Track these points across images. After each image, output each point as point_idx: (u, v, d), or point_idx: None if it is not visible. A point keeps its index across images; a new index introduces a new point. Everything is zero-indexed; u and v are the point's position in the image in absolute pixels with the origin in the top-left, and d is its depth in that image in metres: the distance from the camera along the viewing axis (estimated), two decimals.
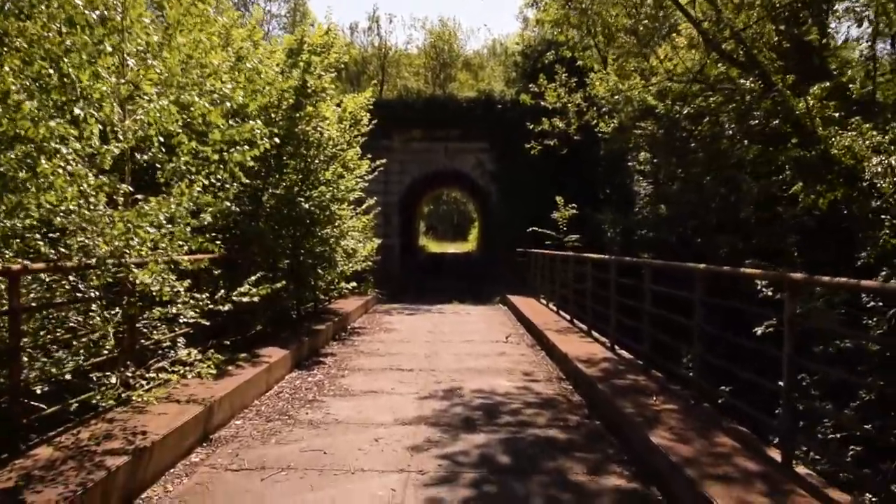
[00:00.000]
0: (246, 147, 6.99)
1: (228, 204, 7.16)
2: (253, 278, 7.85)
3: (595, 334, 11.25)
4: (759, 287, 9.34)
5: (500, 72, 30.21)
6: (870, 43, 15.96)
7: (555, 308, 15.16)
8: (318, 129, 11.91)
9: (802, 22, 14.34)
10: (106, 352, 6.12)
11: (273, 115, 11.28)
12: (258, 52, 11.19)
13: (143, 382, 6.29)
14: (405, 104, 26.13)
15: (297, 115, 11.31)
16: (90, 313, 6.38)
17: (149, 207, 5.86)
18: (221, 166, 6.89)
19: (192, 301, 6.90)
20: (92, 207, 5.70)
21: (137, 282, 5.91)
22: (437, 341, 12.41)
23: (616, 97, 17.21)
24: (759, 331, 8.88)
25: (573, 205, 19.38)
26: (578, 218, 19.87)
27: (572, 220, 19.62)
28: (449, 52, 29.40)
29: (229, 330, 9.35)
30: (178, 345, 7.38)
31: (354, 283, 15.51)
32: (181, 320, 7.05)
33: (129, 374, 6.15)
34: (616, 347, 9.73)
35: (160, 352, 7.40)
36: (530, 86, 16.91)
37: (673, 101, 20.04)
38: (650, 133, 21.57)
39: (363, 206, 15.70)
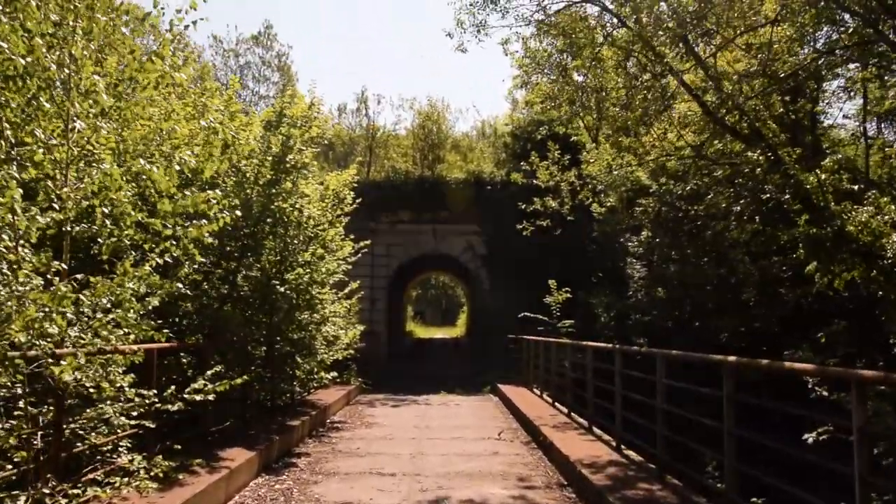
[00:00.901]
0: (203, 221, 6.09)
1: (180, 286, 6.19)
2: (210, 373, 6.85)
3: (597, 431, 10.22)
4: (810, 385, 8.22)
5: (489, 153, 29.90)
6: (858, 123, 15.64)
7: (549, 399, 14.12)
8: (298, 206, 11.10)
9: (798, 97, 13.92)
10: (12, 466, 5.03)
11: (248, 191, 10.49)
12: (234, 123, 10.49)
13: (64, 502, 5.21)
14: (392, 185, 25.52)
15: (274, 191, 10.52)
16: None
17: (67, 289, 4.91)
18: (175, 243, 5.98)
19: (137, 399, 5.93)
20: (12, 288, 4.80)
21: (58, 377, 4.92)
22: (424, 438, 11.31)
23: (612, 174, 16.58)
24: (809, 438, 7.80)
25: (567, 288, 18.52)
26: (571, 302, 19.00)
27: (566, 304, 18.75)
28: (437, 132, 29.09)
29: (185, 429, 8.28)
30: (121, 449, 6.32)
31: (335, 374, 14.44)
32: (122, 421, 6.03)
33: (48, 491, 5.08)
34: (622, 447, 8.70)
35: (99, 458, 6.34)
36: (521, 164, 16.34)
37: (668, 179, 19.55)
38: (646, 211, 21.06)
39: (345, 290, 14.77)
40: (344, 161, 28.36)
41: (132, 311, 5.66)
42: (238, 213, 7.14)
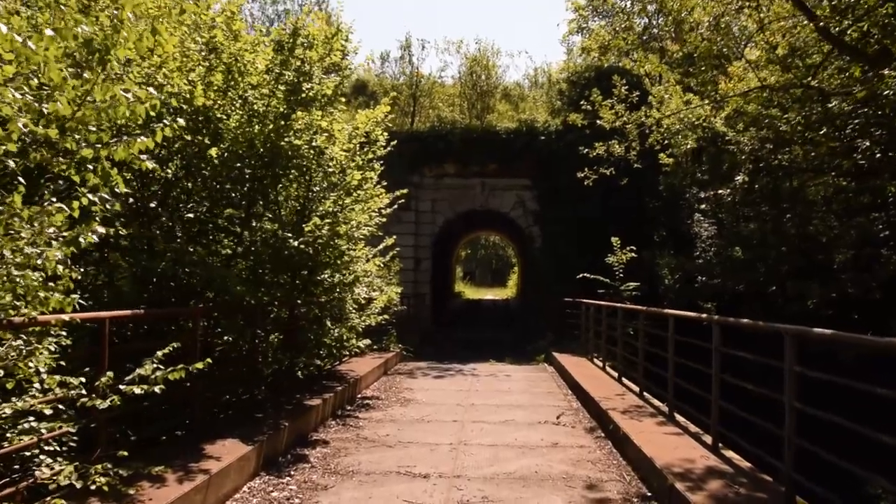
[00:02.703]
0: (141, 139, 4.27)
1: (102, 231, 4.36)
2: (160, 353, 5.05)
3: (680, 419, 8.29)
4: None
5: (542, 102, 27.56)
6: None
7: (614, 374, 12.18)
8: (316, 145, 9.26)
9: None
10: None
11: (255, 128, 8.67)
12: (238, 43, 8.66)
13: None
14: (437, 136, 23.48)
15: (284, 124, 8.68)
16: None
17: None
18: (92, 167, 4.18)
19: (58, 390, 4.22)
20: None
21: None
22: (468, 421, 9.52)
23: (684, 118, 14.31)
24: None
25: (631, 247, 16.45)
26: (634, 264, 16.94)
27: (629, 265, 16.72)
28: (487, 79, 26.82)
29: (162, 421, 6.63)
30: (43, 457, 4.61)
31: (367, 341, 12.71)
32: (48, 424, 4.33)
33: None
34: (720, 447, 6.76)
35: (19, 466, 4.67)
36: (581, 103, 14.17)
37: (746, 125, 17.28)
38: (719, 159, 18.85)
39: (380, 247, 12.96)
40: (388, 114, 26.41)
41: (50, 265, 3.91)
42: (180, 121, 5.28)
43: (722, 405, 6.82)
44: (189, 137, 8.07)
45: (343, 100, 11.79)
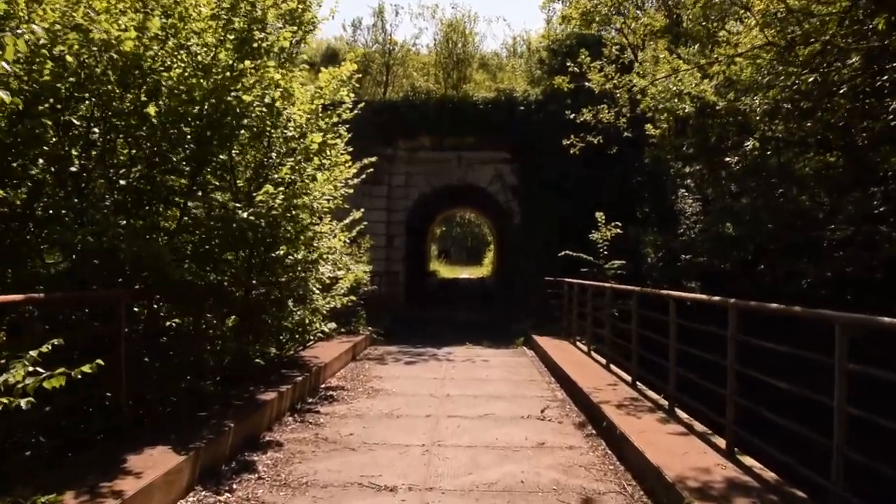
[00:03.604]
0: None
1: None
2: (33, 353, 3.91)
3: (682, 415, 7.34)
4: None
5: (522, 71, 26.36)
6: None
7: (601, 360, 11.22)
8: (269, 101, 8.09)
9: None
10: None
11: (203, 82, 7.51)
12: None
13: None
14: (411, 106, 22.22)
15: (228, 74, 7.52)
16: None
17: None
18: None
19: None
20: None
21: None
22: (443, 416, 8.49)
23: (673, 86, 13.29)
24: None
25: (617, 223, 15.47)
26: (618, 240, 15.96)
27: (614, 242, 15.75)
28: (463, 47, 25.51)
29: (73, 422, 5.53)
30: None
31: (333, 325, 11.63)
32: None
33: None
34: (736, 453, 5.79)
35: None
36: (568, 65, 13.07)
37: (738, 93, 16.34)
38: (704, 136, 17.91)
39: (347, 220, 11.84)
40: (358, 82, 25.06)
41: None
42: (37, 29, 4.15)
43: (738, 401, 5.84)
44: (118, 91, 6.91)
45: (305, 57, 10.71)
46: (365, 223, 12.58)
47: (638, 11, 25.62)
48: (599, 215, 15.25)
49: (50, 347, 3.83)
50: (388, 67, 25.47)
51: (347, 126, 10.66)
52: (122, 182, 7.17)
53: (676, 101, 12.60)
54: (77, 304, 6.27)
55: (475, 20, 33.25)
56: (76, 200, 6.49)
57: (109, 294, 6.19)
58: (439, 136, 22.23)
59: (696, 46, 16.40)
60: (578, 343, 13.68)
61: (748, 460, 5.61)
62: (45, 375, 3.66)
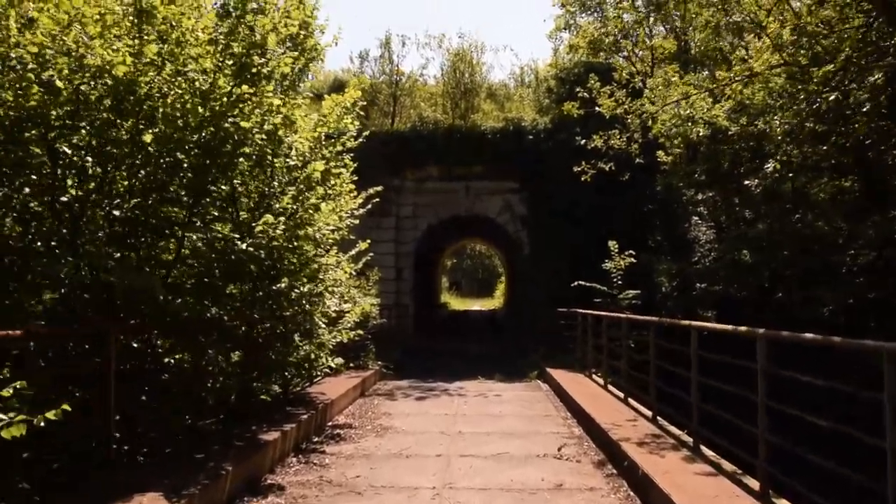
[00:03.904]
0: None
1: None
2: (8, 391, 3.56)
3: (708, 453, 6.91)
4: None
5: (530, 101, 26.22)
6: None
7: (620, 394, 10.77)
8: (269, 128, 7.81)
9: None
10: None
11: (200, 109, 7.26)
12: (174, 7, 7.23)
13: None
14: (419, 136, 22.05)
15: (225, 100, 7.26)
16: None
17: None
18: None
19: None
20: None
21: None
22: (454, 455, 8.07)
23: (685, 111, 12.99)
24: None
25: (630, 251, 15.09)
26: (630, 270, 15.55)
27: (627, 271, 15.35)
28: (471, 76, 25.42)
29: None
30: None
31: (340, 360, 11.28)
32: None
33: None
34: (770, 495, 5.35)
35: None
36: (577, 90, 12.81)
37: (751, 118, 16.06)
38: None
39: (353, 252, 11.51)
40: (365, 113, 24.94)
41: None
42: None
43: (769, 440, 5.42)
44: (111, 117, 6.65)
45: (310, 86, 10.53)
46: (371, 255, 12.23)
47: (646, 39, 25.53)
48: (612, 244, 14.89)
49: (11, 391, 3.47)
50: (396, 98, 25.36)
51: (353, 155, 10.44)
52: (117, 213, 6.87)
53: (690, 125, 12.28)
54: (64, 339, 5.93)
55: (482, 50, 33.15)
56: (65, 231, 6.18)
57: (97, 329, 5.85)
58: (447, 166, 22.03)
59: (705, 72, 16.16)
60: (594, 375, 13.25)
61: None
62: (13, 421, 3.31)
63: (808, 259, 15.28)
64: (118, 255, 6.74)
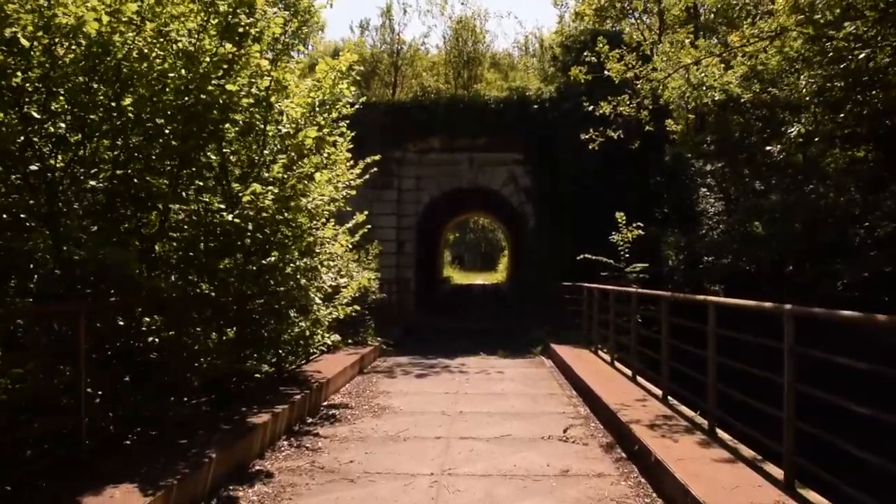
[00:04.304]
0: None
1: None
2: None
3: (724, 436, 6.48)
4: None
5: (535, 69, 25.60)
6: None
7: (628, 372, 10.35)
8: (257, 92, 7.32)
9: None
10: None
11: (183, 72, 6.78)
12: None
13: None
14: (421, 107, 21.49)
15: (212, 62, 6.76)
16: None
17: None
18: None
19: None
20: None
21: None
22: (454, 437, 7.67)
23: (695, 80, 12.44)
24: None
25: (639, 223, 14.59)
26: (638, 243, 15.03)
27: (635, 244, 14.86)
28: (474, 45, 24.74)
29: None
30: None
31: (337, 337, 10.88)
32: None
33: None
34: (796, 485, 4.94)
35: None
36: (585, 54, 12.24)
37: (764, 85, 15.54)
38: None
39: (350, 223, 11.05)
40: (366, 83, 24.45)
41: None
42: None
43: (799, 426, 4.98)
44: (82, 79, 6.17)
45: (302, 48, 9.96)
46: (369, 227, 11.77)
47: (654, 6, 24.84)
48: (620, 216, 14.39)
49: None
50: (397, 68, 24.76)
51: (352, 126, 9.95)
52: (94, 183, 6.40)
53: (704, 89, 11.71)
54: (33, 319, 5.50)
55: (486, 17, 32.39)
56: (36, 203, 5.72)
57: (65, 308, 5.42)
58: (450, 138, 21.48)
59: (714, 40, 15.53)
60: (600, 352, 12.83)
61: (813, 496, 4.76)
62: None
63: (823, 232, 14.82)
64: (95, 228, 6.31)
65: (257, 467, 6.51)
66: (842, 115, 13.30)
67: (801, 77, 11.41)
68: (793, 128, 11.12)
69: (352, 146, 10.21)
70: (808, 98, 11.42)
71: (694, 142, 18.13)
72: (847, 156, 15.02)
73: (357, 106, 9.88)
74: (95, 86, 6.25)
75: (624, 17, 24.65)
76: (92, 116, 6.37)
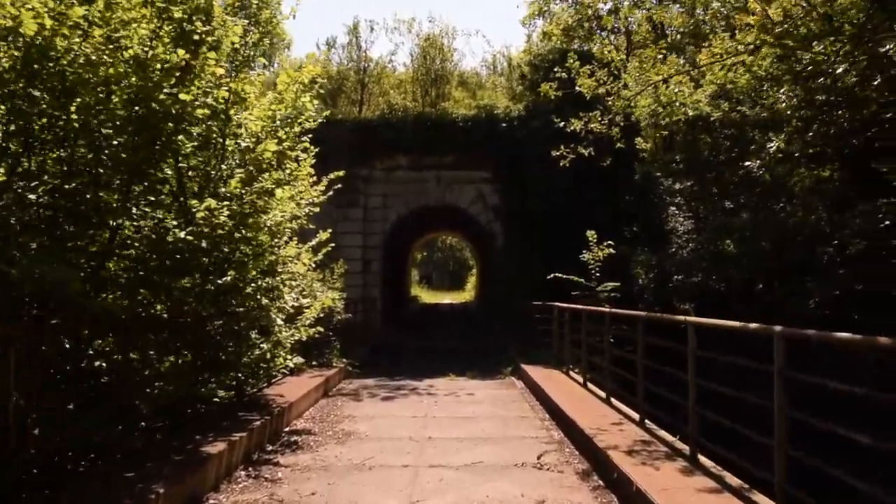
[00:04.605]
0: None
1: None
2: None
3: (706, 462, 6.18)
4: None
5: (503, 88, 25.44)
6: None
7: (601, 394, 10.03)
8: (213, 102, 6.94)
9: None
10: None
11: (134, 79, 6.38)
12: None
13: None
14: (388, 124, 21.18)
15: (163, 70, 6.38)
16: None
17: None
18: None
19: None
20: None
21: None
22: (423, 466, 7.27)
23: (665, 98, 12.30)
24: None
25: (609, 242, 14.38)
26: (609, 261, 14.80)
27: (606, 262, 14.64)
28: (442, 62, 24.54)
29: None
30: None
31: (300, 359, 10.45)
32: None
33: None
34: None
35: None
36: (555, 70, 12.03)
37: (733, 104, 15.47)
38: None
39: (313, 241, 10.66)
40: (333, 100, 24.08)
41: None
42: None
43: (792, 455, 4.69)
44: (21, 85, 5.75)
45: (264, 61, 9.62)
46: (333, 245, 11.39)
47: (622, 27, 24.88)
48: (591, 234, 14.17)
49: None
50: (364, 85, 24.44)
51: (317, 143, 9.62)
52: (33, 197, 5.96)
53: (673, 107, 11.54)
54: None
55: (453, 35, 32.26)
56: None
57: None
58: (417, 156, 21.18)
59: (681, 60, 15.49)
60: (571, 372, 12.53)
61: None
62: None
63: (791, 250, 14.73)
64: (35, 245, 5.86)
65: (211, 501, 6.06)
66: (810, 133, 13.23)
67: (781, 92, 11.25)
68: (772, 143, 10.88)
69: (317, 163, 9.85)
70: (788, 112, 11.24)
71: (663, 160, 18.01)
72: (813, 175, 14.97)
73: (321, 120, 9.53)
74: (37, 93, 5.82)
75: (591, 37, 24.67)
76: (34, 126, 5.95)
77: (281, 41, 25.75)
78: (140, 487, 5.37)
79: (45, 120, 5.96)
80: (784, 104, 10.56)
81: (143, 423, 6.74)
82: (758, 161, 11.70)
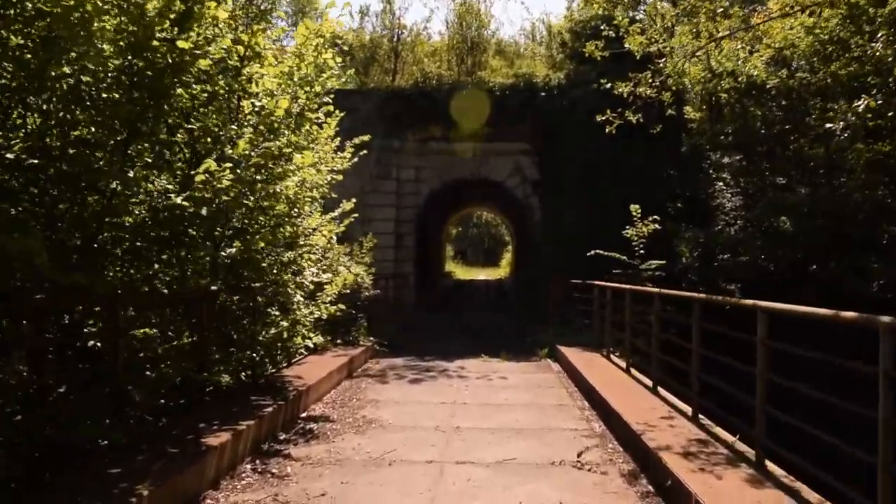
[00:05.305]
0: None
1: None
2: None
3: (775, 471, 5.34)
4: None
5: (542, 56, 24.38)
6: None
7: (647, 381, 9.17)
8: (213, 49, 6.16)
9: None
10: None
11: (132, 27, 5.63)
12: None
13: None
14: (422, 93, 20.27)
15: (158, 14, 5.61)
16: None
17: None
18: None
19: None
20: None
21: None
22: (448, 462, 6.52)
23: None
24: None
25: (655, 217, 13.46)
26: (652, 238, 13.85)
27: (650, 239, 13.71)
28: (478, 29, 23.55)
29: None
30: None
31: (320, 339, 9.76)
32: None
33: None
34: None
35: None
36: (602, 27, 11.07)
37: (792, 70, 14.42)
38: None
39: (336, 212, 9.93)
40: (365, 70, 23.25)
41: None
42: None
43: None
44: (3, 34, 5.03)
45: (282, 14, 8.83)
46: (361, 218, 10.64)
47: None
48: (635, 208, 13.25)
49: None
50: (397, 53, 23.54)
51: (348, 114, 8.84)
52: (10, 156, 5.25)
53: (735, 71, 10.55)
54: None
55: (491, 1, 31.20)
56: None
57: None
58: (452, 126, 20.24)
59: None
60: (612, 356, 11.68)
61: None
62: None
63: (854, 227, 13.73)
64: (13, 211, 5.18)
65: (208, 501, 5.37)
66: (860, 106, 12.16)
67: (878, 37, 10.09)
68: (859, 102, 9.70)
69: (347, 134, 9.10)
70: (890, 59, 10.06)
71: (711, 132, 16.94)
72: (871, 150, 13.86)
73: (345, 80, 8.73)
74: (3, 33, 5.10)
75: (637, 5, 23.48)
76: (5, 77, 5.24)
77: (314, 10, 25.03)
78: (123, 487, 4.69)
79: (14, 65, 5.22)
80: (881, 52, 9.34)
81: (136, 412, 6.06)
82: (841, 123, 10.52)
